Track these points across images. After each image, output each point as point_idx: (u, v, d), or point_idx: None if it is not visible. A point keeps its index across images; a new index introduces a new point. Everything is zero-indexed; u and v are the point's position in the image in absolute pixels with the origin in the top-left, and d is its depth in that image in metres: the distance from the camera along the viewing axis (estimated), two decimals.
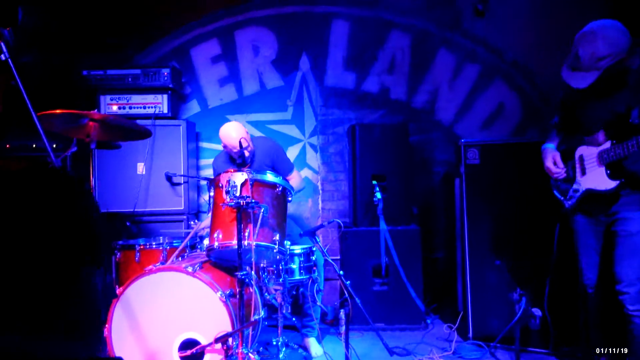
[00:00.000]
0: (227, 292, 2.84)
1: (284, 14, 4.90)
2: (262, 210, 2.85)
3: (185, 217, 4.34)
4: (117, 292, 2.90)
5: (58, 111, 2.83)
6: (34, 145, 4.26)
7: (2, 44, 2.45)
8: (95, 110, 2.87)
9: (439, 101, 4.92)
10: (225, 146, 3.75)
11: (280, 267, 3.13)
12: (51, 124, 2.97)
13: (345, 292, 2.84)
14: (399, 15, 4.88)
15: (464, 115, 4.92)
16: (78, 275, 0.84)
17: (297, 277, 3.25)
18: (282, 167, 3.86)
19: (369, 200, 4.15)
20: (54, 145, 3.85)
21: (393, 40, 4.90)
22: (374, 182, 4.16)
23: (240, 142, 3.31)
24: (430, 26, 4.89)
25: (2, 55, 2.46)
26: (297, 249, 3.26)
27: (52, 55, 4.77)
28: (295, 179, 3.89)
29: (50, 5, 4.71)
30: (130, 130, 3.25)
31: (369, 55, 4.90)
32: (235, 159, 3.75)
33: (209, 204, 4.17)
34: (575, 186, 2.93)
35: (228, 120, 4.88)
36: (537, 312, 3.39)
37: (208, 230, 3.19)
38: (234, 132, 3.68)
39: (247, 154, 3.59)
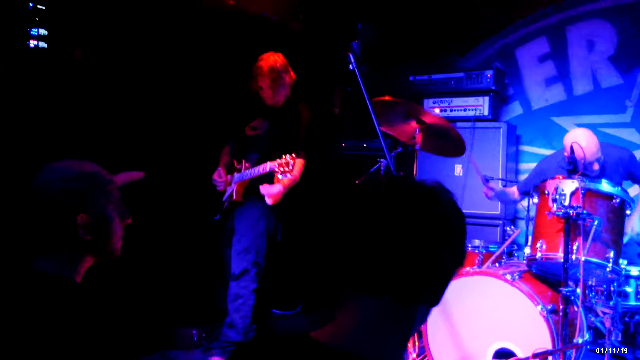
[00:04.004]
0: (549, 308, 2.65)
1: (625, 4, 4.32)
2: (595, 223, 2.57)
3: (501, 222, 4.23)
4: None
5: (386, 98, 2.97)
6: (365, 145, 4.76)
7: (350, 55, 2.76)
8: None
9: None
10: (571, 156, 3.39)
11: (612, 289, 2.81)
12: (386, 120, 3.17)
13: None
14: None
15: None
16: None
17: (632, 302, 2.87)
18: None
19: None
20: None
21: None
22: None
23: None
24: None
25: (350, 65, 2.76)
26: (635, 270, 2.86)
27: (382, 64, 5.21)
28: None
29: (380, 21, 5.14)
30: (450, 137, 3.28)
31: None
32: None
33: (527, 211, 3.99)
34: None
35: (553, 123, 4.58)
36: None
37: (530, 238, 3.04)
38: (592, 142, 3.16)
39: (596, 166, 3.16)
